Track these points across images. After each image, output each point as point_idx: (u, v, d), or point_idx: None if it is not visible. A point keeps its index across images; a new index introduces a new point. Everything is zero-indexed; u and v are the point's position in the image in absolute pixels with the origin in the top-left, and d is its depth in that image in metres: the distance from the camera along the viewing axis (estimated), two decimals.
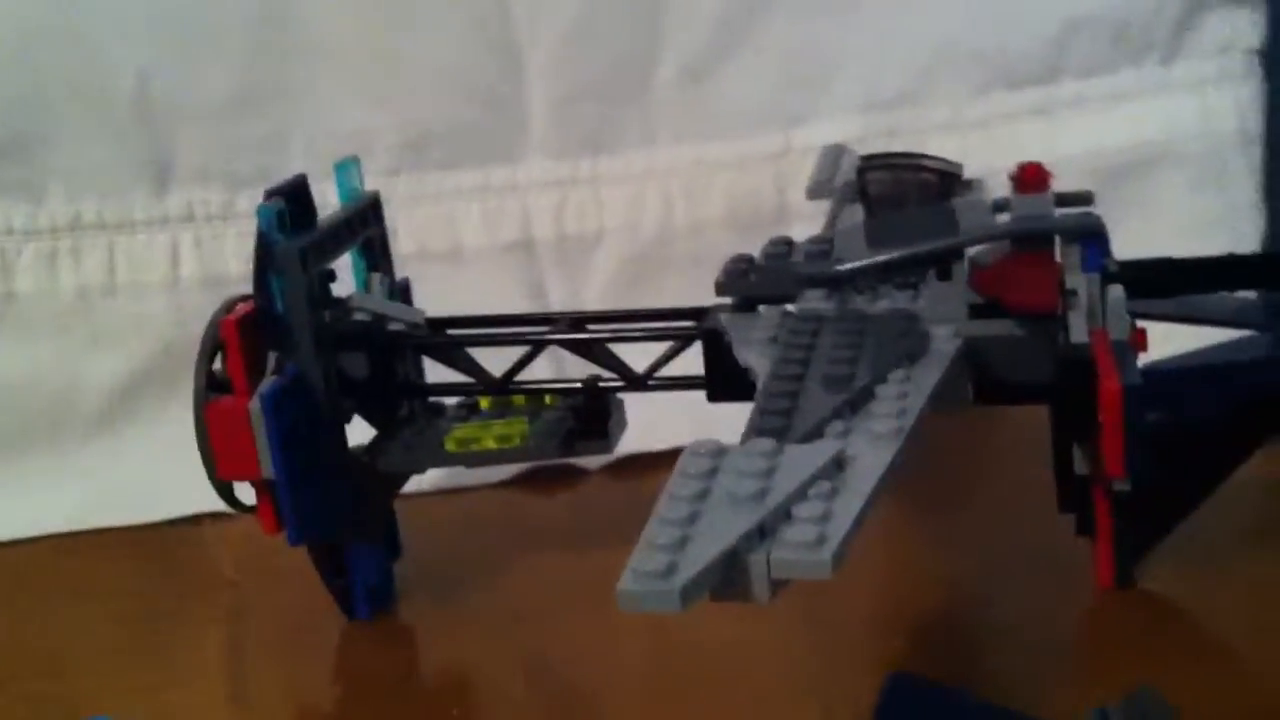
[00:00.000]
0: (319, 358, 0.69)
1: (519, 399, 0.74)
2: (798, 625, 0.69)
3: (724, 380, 0.69)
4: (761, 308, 0.70)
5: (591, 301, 0.93)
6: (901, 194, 0.71)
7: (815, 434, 0.55)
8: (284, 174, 0.70)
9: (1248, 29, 0.94)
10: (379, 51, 0.91)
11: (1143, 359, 0.64)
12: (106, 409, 0.91)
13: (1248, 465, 0.69)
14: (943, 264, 0.67)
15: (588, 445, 0.72)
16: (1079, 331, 0.64)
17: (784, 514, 0.50)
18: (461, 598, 0.76)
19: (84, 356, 0.91)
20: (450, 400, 0.76)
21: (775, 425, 0.56)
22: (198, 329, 0.70)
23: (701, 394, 0.71)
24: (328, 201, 0.73)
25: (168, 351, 0.89)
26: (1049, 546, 0.72)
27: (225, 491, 0.70)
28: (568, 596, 0.74)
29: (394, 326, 0.73)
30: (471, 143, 0.93)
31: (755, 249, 0.73)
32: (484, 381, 0.73)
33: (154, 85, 0.89)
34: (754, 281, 0.70)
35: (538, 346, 0.73)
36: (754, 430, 0.56)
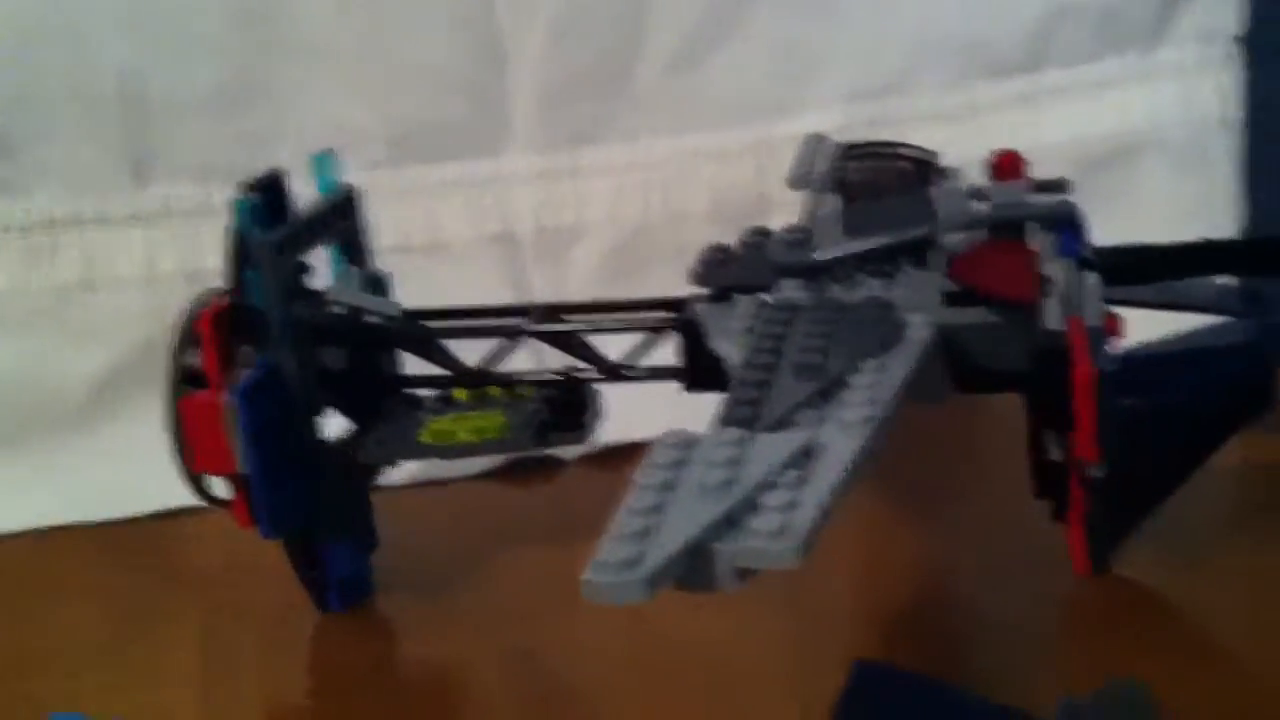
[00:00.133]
0: (294, 351, 0.69)
1: (495, 391, 0.73)
2: (780, 616, 0.69)
3: (701, 370, 0.69)
4: (738, 297, 0.70)
5: (574, 294, 0.93)
6: (879, 183, 0.70)
7: (785, 423, 0.55)
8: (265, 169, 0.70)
9: (1229, 16, 0.94)
10: (362, 47, 0.91)
11: (1120, 345, 0.64)
12: (85, 405, 0.91)
13: (1225, 451, 0.68)
14: (919, 252, 0.66)
15: (563, 436, 0.72)
16: (1054, 319, 0.64)
17: (751, 503, 0.50)
18: (439, 590, 0.76)
19: (62, 352, 0.90)
20: (427, 392, 0.75)
21: (745, 415, 0.55)
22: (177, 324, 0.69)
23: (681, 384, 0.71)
24: (311, 197, 0.73)
25: (146, 347, 0.88)
26: (1025, 534, 0.71)
27: (199, 486, 0.70)
28: (546, 588, 0.73)
29: (370, 319, 0.73)
30: (454, 137, 0.93)
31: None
32: (460, 373, 0.73)
33: (134, 81, 0.88)
34: (730, 271, 0.70)
35: (513, 338, 0.72)
36: (723, 420, 0.55)
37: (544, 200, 0.94)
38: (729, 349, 0.65)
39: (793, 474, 0.51)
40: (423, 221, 0.93)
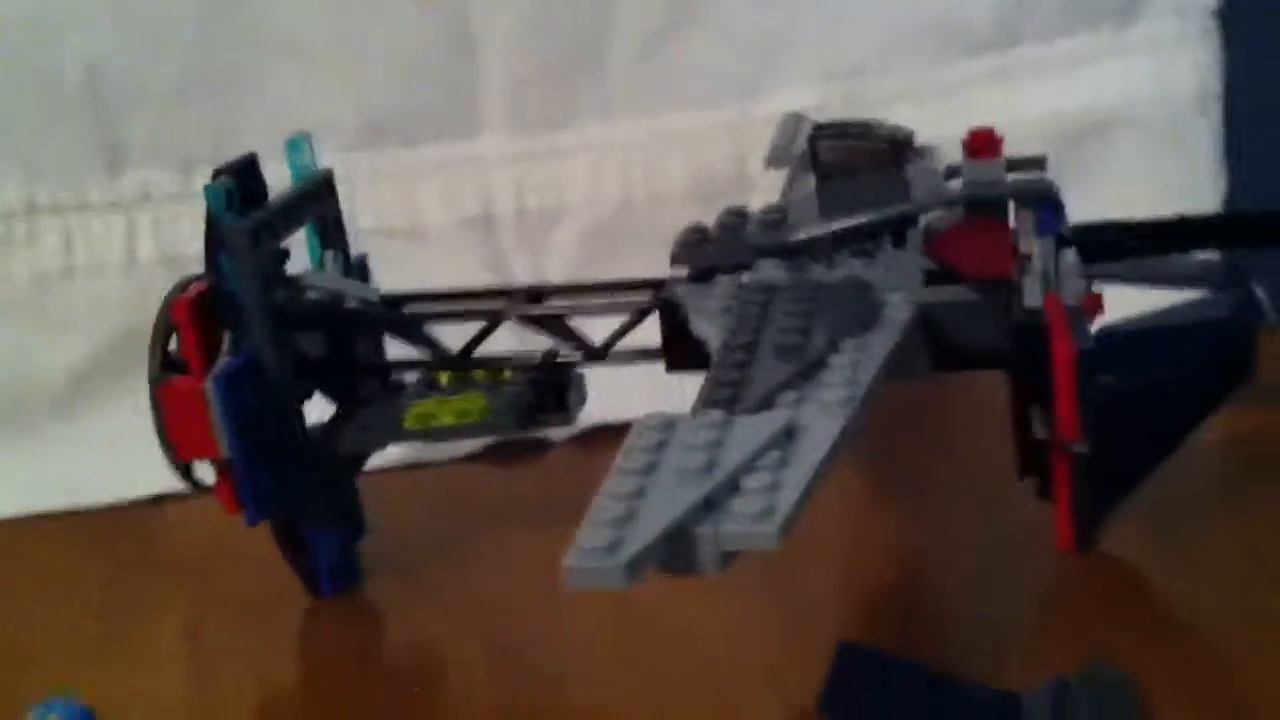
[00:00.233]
0: (273, 337, 0.69)
1: (478, 374, 0.73)
2: (765, 600, 0.69)
3: (682, 351, 0.69)
4: (718, 278, 0.70)
5: (554, 276, 0.93)
6: (853, 162, 0.70)
7: (766, 404, 0.55)
8: (241, 154, 0.70)
9: None
10: (333, 32, 0.90)
11: (1100, 321, 0.64)
12: (66, 392, 0.91)
13: (1209, 426, 0.69)
14: (896, 231, 0.66)
15: (547, 419, 0.72)
16: (1033, 296, 0.64)
17: (732, 486, 0.50)
18: (427, 574, 0.76)
19: (42, 340, 0.90)
20: (410, 376, 0.75)
21: (725, 396, 0.56)
22: (156, 310, 0.69)
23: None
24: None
25: (127, 333, 0.88)
26: (1010, 513, 0.72)
27: (183, 472, 0.70)
28: (532, 571, 0.73)
29: (349, 304, 0.73)
30: (429, 121, 0.92)
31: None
32: (442, 357, 0.73)
33: (109, 68, 0.88)
34: (708, 252, 0.70)
35: (494, 321, 0.72)
36: (704, 402, 0.55)
37: (521, 182, 0.94)
38: (708, 329, 0.65)
39: (773, 455, 0.51)
40: (400, 205, 0.93)
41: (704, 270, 0.70)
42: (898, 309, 0.63)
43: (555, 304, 0.72)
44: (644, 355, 0.71)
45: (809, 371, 0.58)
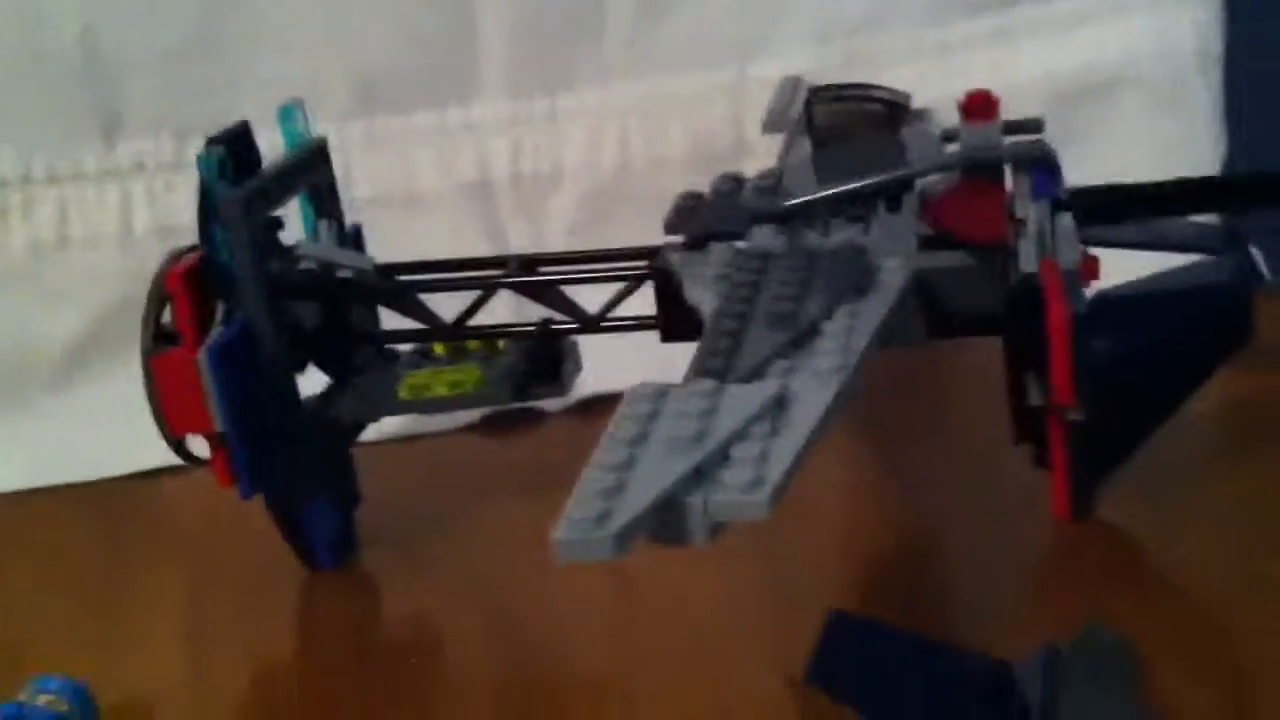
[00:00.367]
0: (266, 308, 0.68)
1: (473, 344, 0.73)
2: (760, 568, 0.69)
3: (677, 320, 0.69)
4: (713, 245, 0.69)
5: (552, 241, 0.92)
6: (849, 126, 0.70)
7: (758, 373, 0.55)
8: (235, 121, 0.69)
9: None
10: None
11: (1097, 285, 0.64)
12: (62, 364, 0.90)
13: (1206, 391, 0.68)
14: (892, 196, 0.66)
15: (542, 389, 0.72)
16: (1028, 261, 0.63)
17: (722, 455, 0.49)
18: (422, 545, 0.76)
19: (38, 312, 0.90)
20: (405, 347, 0.75)
21: (717, 365, 0.55)
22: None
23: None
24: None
25: (123, 304, 0.87)
26: (1006, 479, 0.71)
27: (177, 446, 0.70)
28: (529, 541, 0.71)
29: (343, 274, 0.73)
30: (425, 85, 0.92)
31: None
32: (436, 327, 0.73)
33: (101, 36, 0.88)
34: (702, 219, 0.70)
35: (488, 290, 0.72)
36: (696, 371, 0.55)
37: (519, 148, 0.93)
38: (703, 297, 0.64)
39: (764, 425, 0.51)
40: (397, 172, 0.92)
41: (699, 237, 0.69)
42: (892, 275, 0.63)
43: (549, 273, 0.72)
44: (640, 324, 0.70)
45: (801, 339, 0.57)
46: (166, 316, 0.69)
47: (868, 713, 0.54)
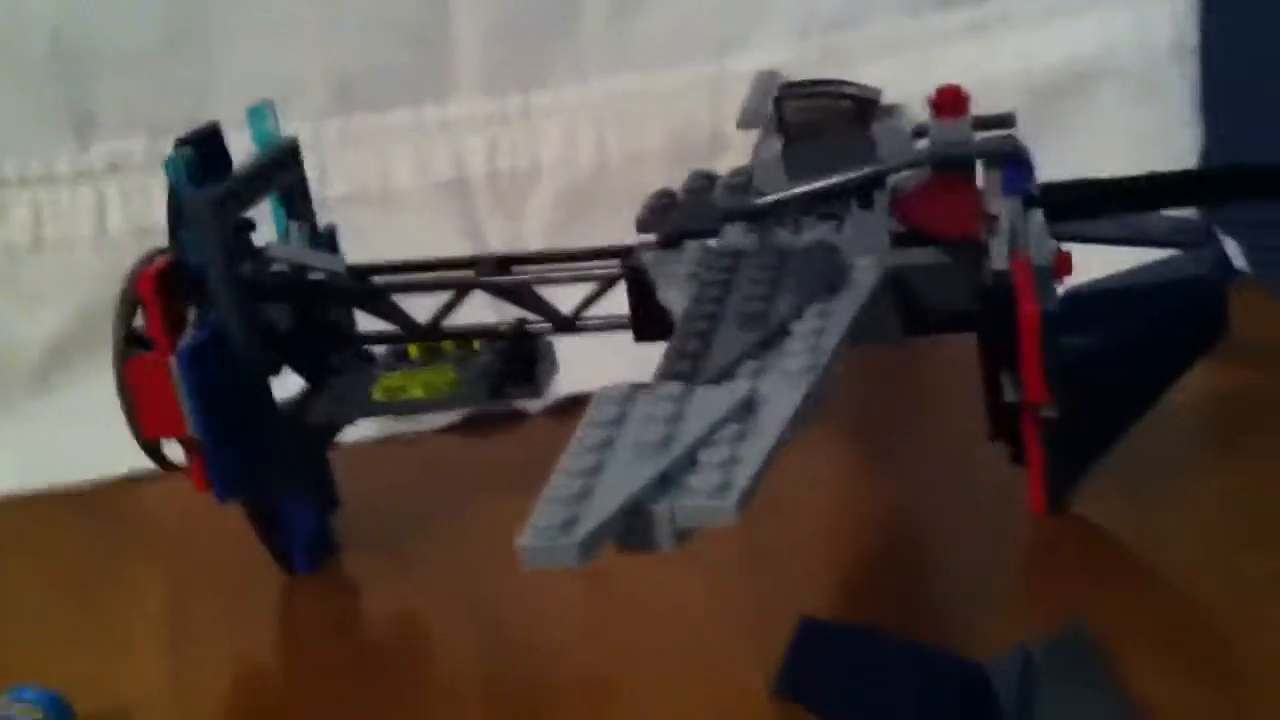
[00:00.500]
0: (237, 311, 0.68)
1: (448, 345, 0.73)
2: (740, 569, 0.69)
3: (650, 319, 0.68)
4: (685, 244, 0.69)
5: (530, 239, 0.92)
6: (819, 122, 0.69)
7: (727, 375, 0.55)
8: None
9: None
10: None
11: (1071, 281, 0.63)
12: (39, 368, 0.90)
13: (1184, 385, 0.68)
14: (863, 193, 0.66)
15: (517, 390, 0.71)
16: (1000, 257, 0.63)
17: (689, 460, 0.49)
18: (403, 546, 0.76)
19: (13, 315, 0.90)
20: (381, 349, 0.75)
21: (685, 368, 0.55)
22: None
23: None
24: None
25: (99, 307, 0.87)
26: (982, 476, 0.71)
27: (152, 450, 0.70)
28: (508, 542, 0.73)
29: (314, 276, 0.72)
30: (401, 83, 0.92)
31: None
32: (410, 329, 0.72)
33: (72, 36, 0.87)
34: (674, 217, 0.69)
35: (462, 291, 0.71)
36: (664, 373, 0.55)
37: (495, 145, 0.93)
38: (674, 297, 0.64)
39: (732, 428, 0.50)
40: (373, 170, 0.92)
41: (671, 236, 0.69)
42: (864, 273, 0.62)
43: (523, 272, 0.71)
44: (615, 325, 0.70)
45: (771, 340, 0.57)
46: (139, 320, 0.68)
47: None
